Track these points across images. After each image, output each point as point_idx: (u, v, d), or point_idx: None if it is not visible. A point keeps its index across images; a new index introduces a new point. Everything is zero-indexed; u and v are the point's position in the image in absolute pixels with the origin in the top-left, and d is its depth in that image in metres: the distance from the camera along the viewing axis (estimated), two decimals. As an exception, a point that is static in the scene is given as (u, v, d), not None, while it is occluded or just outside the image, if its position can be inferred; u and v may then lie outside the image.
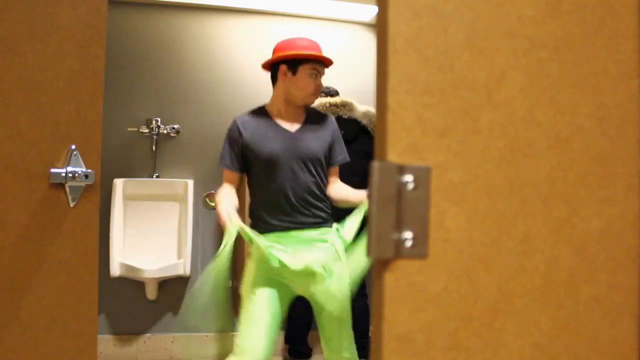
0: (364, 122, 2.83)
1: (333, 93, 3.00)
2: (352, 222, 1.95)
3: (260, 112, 2.02)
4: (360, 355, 2.77)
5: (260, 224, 1.93)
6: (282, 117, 1.98)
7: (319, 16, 3.37)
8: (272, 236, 1.89)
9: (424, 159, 0.63)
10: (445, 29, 0.65)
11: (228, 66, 3.30)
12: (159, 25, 3.22)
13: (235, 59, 3.29)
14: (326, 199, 2.01)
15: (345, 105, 2.80)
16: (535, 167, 0.68)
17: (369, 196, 0.61)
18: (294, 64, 1.93)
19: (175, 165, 3.23)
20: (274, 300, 1.86)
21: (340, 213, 2.00)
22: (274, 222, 1.91)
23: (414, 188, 0.62)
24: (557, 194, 0.69)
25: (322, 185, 1.99)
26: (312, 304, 1.95)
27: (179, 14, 3.24)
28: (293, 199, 1.90)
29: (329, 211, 2.01)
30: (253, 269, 1.90)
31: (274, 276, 1.88)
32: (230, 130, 2.00)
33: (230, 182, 2.01)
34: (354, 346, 1.98)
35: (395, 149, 0.62)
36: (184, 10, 3.25)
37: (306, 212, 1.92)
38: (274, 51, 1.99)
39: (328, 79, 3.19)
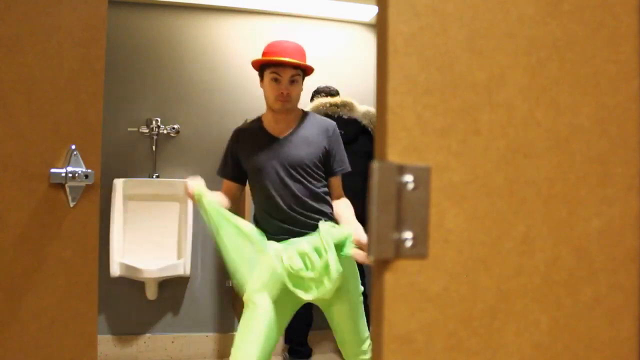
0: (364, 122, 2.83)
1: (333, 93, 3.00)
2: (343, 231, 1.81)
3: (256, 121, 2.02)
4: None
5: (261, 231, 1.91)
6: (270, 125, 1.95)
7: (319, 16, 3.37)
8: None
9: (424, 159, 0.63)
10: (445, 29, 0.65)
11: (228, 66, 3.30)
12: (159, 25, 3.22)
13: (235, 59, 3.29)
14: (325, 205, 1.92)
15: (345, 105, 2.80)
16: (535, 167, 0.68)
17: (369, 196, 0.61)
18: (261, 70, 1.92)
19: (175, 165, 3.23)
20: (274, 310, 1.80)
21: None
22: (271, 230, 1.89)
23: (414, 188, 0.62)
24: (557, 194, 0.69)
25: (316, 193, 1.90)
26: (320, 304, 1.92)
27: (179, 14, 3.24)
28: (284, 207, 1.86)
29: (330, 215, 1.93)
30: (260, 275, 1.83)
31: (279, 285, 1.81)
32: (229, 141, 2.04)
33: (225, 191, 2.02)
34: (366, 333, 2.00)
35: (395, 149, 0.62)
36: (184, 10, 3.25)
37: (300, 221, 1.86)
38: None
39: (328, 79, 3.22)
